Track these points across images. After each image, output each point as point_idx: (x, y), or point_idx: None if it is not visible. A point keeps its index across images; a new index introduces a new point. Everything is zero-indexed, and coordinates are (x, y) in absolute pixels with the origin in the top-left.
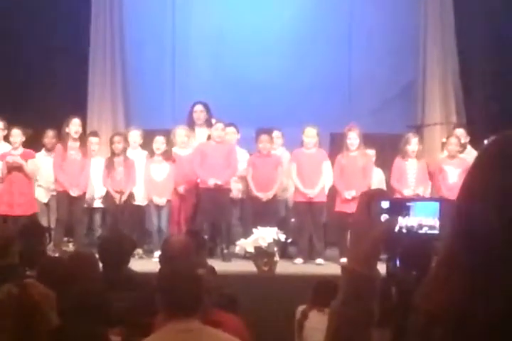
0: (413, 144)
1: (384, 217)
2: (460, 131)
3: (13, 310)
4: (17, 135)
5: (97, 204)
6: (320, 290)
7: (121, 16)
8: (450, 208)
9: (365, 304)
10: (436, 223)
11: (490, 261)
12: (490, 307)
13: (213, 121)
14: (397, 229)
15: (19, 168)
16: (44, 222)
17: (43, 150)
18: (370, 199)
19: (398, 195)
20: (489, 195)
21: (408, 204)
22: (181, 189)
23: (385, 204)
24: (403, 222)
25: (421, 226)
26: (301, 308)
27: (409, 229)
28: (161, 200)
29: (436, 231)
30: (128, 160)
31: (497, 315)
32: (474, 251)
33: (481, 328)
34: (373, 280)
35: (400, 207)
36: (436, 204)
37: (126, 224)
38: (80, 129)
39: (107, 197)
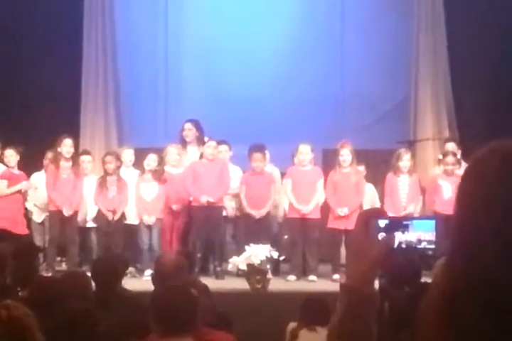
0: (405, 160)
1: (381, 235)
2: (451, 145)
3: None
4: (11, 155)
5: (91, 223)
6: (308, 308)
7: (114, 34)
8: (446, 225)
9: (363, 322)
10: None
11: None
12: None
13: (206, 139)
14: (396, 244)
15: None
16: (39, 242)
17: (42, 171)
18: (367, 218)
19: (391, 211)
20: (492, 207)
21: (405, 222)
22: (175, 207)
23: (383, 223)
24: (402, 238)
25: (420, 241)
26: (291, 326)
27: (409, 244)
28: (150, 219)
29: (434, 246)
30: (121, 179)
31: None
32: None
33: None
34: (372, 298)
35: (398, 225)
36: (432, 223)
37: (118, 243)
38: (71, 149)
39: (99, 216)
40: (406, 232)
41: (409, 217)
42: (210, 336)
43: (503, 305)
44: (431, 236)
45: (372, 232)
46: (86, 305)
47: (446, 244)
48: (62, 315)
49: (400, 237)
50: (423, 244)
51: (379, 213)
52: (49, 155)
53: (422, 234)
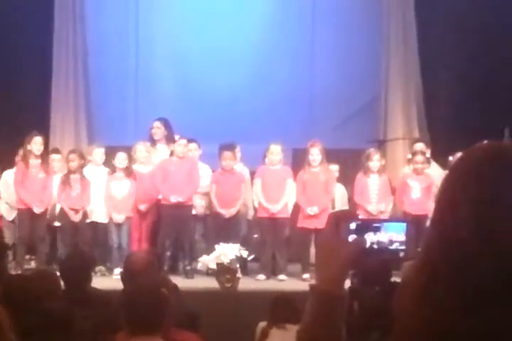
0: (375, 160)
1: (352, 237)
2: (420, 146)
3: None
4: None
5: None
6: (277, 306)
7: (84, 32)
8: (416, 227)
9: (333, 323)
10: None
11: (471, 274)
12: (469, 325)
13: (176, 137)
14: (368, 244)
15: None
16: (9, 240)
17: (15, 168)
18: (338, 219)
19: (361, 211)
20: (466, 206)
21: (376, 225)
22: (143, 207)
23: (353, 225)
24: (374, 238)
25: (391, 242)
26: (261, 325)
27: (380, 245)
28: (119, 217)
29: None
30: (84, 178)
31: (476, 332)
32: (454, 262)
33: None
34: (342, 299)
35: (368, 227)
36: (403, 225)
37: (85, 241)
38: (41, 147)
39: (61, 215)
40: (378, 233)
41: (380, 220)
42: (178, 336)
43: (473, 285)
44: (403, 237)
45: (343, 234)
46: (62, 305)
47: (415, 246)
48: (38, 314)
49: (371, 238)
50: (395, 245)
51: (350, 215)
52: (21, 152)
53: (393, 235)
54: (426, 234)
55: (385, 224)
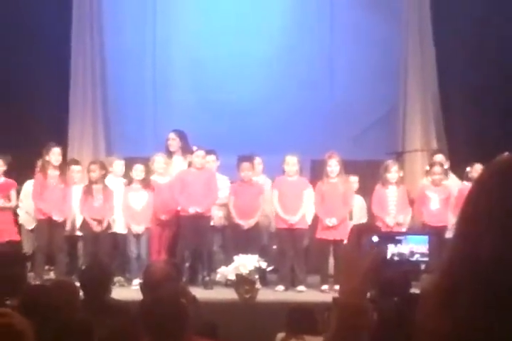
0: (393, 172)
1: (373, 250)
2: (440, 157)
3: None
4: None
5: (79, 232)
6: (295, 317)
7: (102, 43)
8: (438, 241)
9: (357, 334)
10: (428, 250)
11: (493, 284)
12: (492, 334)
13: (194, 148)
14: (389, 256)
15: (5, 195)
16: (28, 249)
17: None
18: (360, 232)
19: (379, 223)
20: (493, 218)
21: (398, 237)
22: (163, 217)
23: (376, 238)
24: (395, 250)
25: (412, 254)
26: (279, 336)
27: (401, 257)
28: (139, 228)
29: (427, 259)
30: (107, 188)
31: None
32: (478, 275)
33: None
34: (365, 311)
35: (391, 240)
36: (425, 238)
37: (105, 252)
38: (60, 158)
39: (84, 225)
40: (399, 244)
41: (403, 233)
42: None
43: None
44: (423, 248)
45: (365, 247)
46: (81, 315)
47: (437, 258)
48: (57, 324)
49: (392, 249)
50: (416, 257)
51: (372, 228)
52: (39, 163)
53: (414, 247)
54: (448, 245)
55: (408, 237)
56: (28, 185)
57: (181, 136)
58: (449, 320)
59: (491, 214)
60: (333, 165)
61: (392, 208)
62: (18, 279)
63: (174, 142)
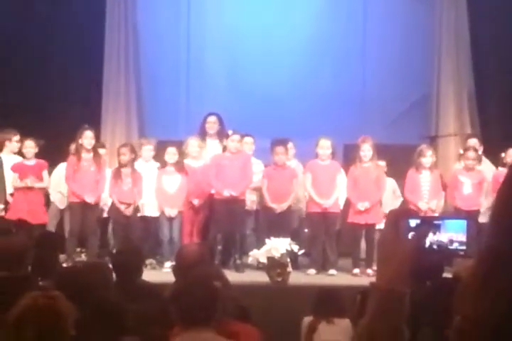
0: (427, 156)
1: (412, 235)
2: (474, 141)
3: (38, 321)
4: (30, 146)
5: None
6: (323, 300)
7: (136, 28)
8: (476, 226)
9: (395, 321)
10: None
11: None
12: None
13: (230, 132)
14: (428, 244)
15: (39, 177)
16: (52, 227)
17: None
18: (397, 217)
19: (411, 207)
20: None
21: (436, 222)
22: (196, 202)
23: (413, 223)
24: (434, 238)
25: (452, 242)
26: (306, 319)
27: (440, 245)
28: (172, 211)
29: (465, 247)
30: (135, 172)
31: None
32: None
33: None
34: (404, 296)
35: (428, 225)
36: (463, 222)
37: (136, 235)
38: (92, 141)
39: (113, 208)
40: (437, 233)
41: (440, 217)
42: (235, 328)
43: None
44: (463, 236)
45: (403, 232)
46: (111, 297)
47: (476, 243)
48: (90, 306)
49: (431, 238)
50: (455, 245)
51: (409, 212)
52: (73, 146)
53: (453, 235)
54: (486, 230)
55: (445, 221)
56: (62, 167)
57: (220, 119)
58: (488, 305)
59: None
60: (366, 150)
61: (425, 193)
62: (51, 261)
63: (215, 125)
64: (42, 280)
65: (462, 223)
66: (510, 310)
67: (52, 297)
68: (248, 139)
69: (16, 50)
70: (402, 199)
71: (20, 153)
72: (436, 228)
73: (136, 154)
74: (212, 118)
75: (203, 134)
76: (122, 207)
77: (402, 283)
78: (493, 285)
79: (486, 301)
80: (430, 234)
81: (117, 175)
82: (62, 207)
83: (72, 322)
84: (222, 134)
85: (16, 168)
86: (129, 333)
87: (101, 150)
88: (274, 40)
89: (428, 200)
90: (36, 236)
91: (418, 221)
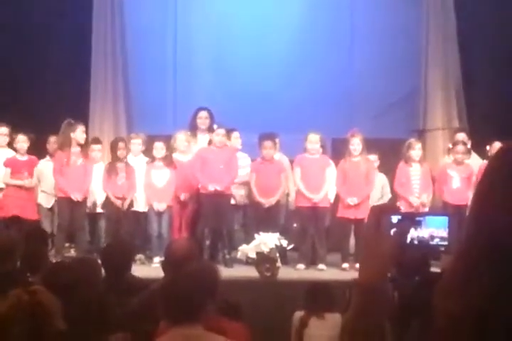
0: (417, 149)
1: (394, 231)
2: (462, 136)
3: (23, 316)
4: (23, 141)
5: (100, 209)
6: (314, 295)
7: (123, 23)
8: (457, 218)
9: (377, 318)
10: (447, 234)
11: (510, 264)
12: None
13: (215, 126)
14: (409, 240)
15: (30, 172)
16: (47, 228)
17: (47, 157)
18: (380, 213)
19: (402, 201)
20: (507, 193)
21: (418, 218)
22: (183, 196)
23: (395, 219)
24: (415, 234)
25: (432, 238)
26: (297, 314)
27: (421, 240)
28: (161, 206)
29: (447, 243)
30: (129, 166)
31: None
32: (494, 249)
33: (502, 331)
34: (384, 292)
35: (410, 221)
36: (445, 219)
37: (127, 230)
38: (84, 136)
39: (107, 203)
40: (419, 228)
41: (422, 213)
42: (222, 324)
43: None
44: (443, 232)
45: (385, 227)
46: (99, 292)
47: (457, 237)
48: (77, 301)
49: (412, 233)
50: (436, 241)
51: (391, 208)
52: (52, 139)
53: (434, 231)
54: (465, 224)
55: (427, 218)
56: (42, 164)
57: (211, 114)
58: (465, 299)
59: (505, 188)
60: (356, 144)
61: (416, 186)
62: (39, 256)
63: (206, 120)
64: (31, 276)
65: (444, 219)
66: (490, 306)
67: (35, 292)
68: (235, 134)
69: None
70: (390, 196)
71: (8, 146)
72: (418, 224)
73: (129, 149)
74: (203, 114)
75: (193, 129)
76: (118, 202)
77: (384, 279)
78: (474, 280)
79: (467, 297)
80: (411, 230)
81: (112, 170)
82: (48, 205)
83: (59, 315)
84: (210, 129)
85: (9, 163)
86: (117, 328)
87: (96, 146)
88: (262, 34)
89: (419, 194)
90: (24, 231)
91: (400, 217)
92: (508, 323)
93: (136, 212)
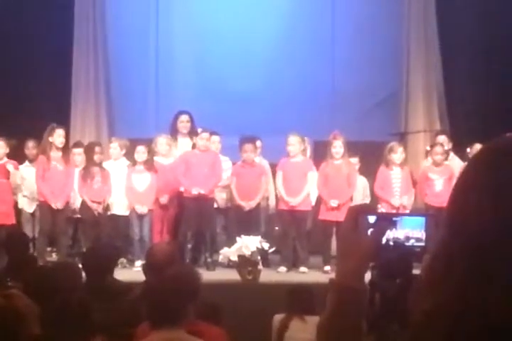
0: (399, 153)
1: (371, 231)
2: (442, 138)
3: None
4: (0, 146)
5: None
6: (296, 298)
7: (105, 25)
8: (437, 219)
9: (353, 316)
10: (423, 235)
11: (486, 259)
12: (487, 308)
13: (199, 130)
14: (384, 241)
15: (4, 176)
16: (29, 232)
17: (26, 162)
18: (357, 213)
19: (383, 204)
20: (483, 193)
21: (395, 219)
22: (164, 200)
23: (372, 219)
24: (390, 235)
25: (408, 239)
26: (277, 317)
27: (396, 241)
28: (142, 209)
29: (422, 244)
30: (104, 170)
31: (494, 315)
32: (470, 250)
33: (477, 330)
34: (361, 293)
35: (387, 221)
36: (422, 219)
37: (107, 233)
38: (63, 140)
39: (84, 207)
40: (394, 229)
41: (399, 213)
42: (200, 328)
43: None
44: (419, 233)
45: (362, 228)
46: (80, 296)
47: (436, 239)
48: (56, 305)
49: (387, 235)
50: (411, 242)
51: (368, 209)
52: (30, 144)
53: (410, 232)
54: (442, 224)
55: (404, 218)
56: (23, 169)
57: (192, 118)
58: (441, 298)
59: (481, 189)
60: (338, 147)
61: (397, 190)
62: (21, 261)
63: (188, 124)
64: (11, 281)
65: (420, 220)
66: (467, 304)
67: (9, 296)
68: (215, 138)
69: None
70: (369, 199)
71: None
72: (394, 224)
73: (104, 153)
74: (185, 117)
75: (174, 133)
76: (95, 206)
77: (359, 280)
78: (449, 280)
79: (442, 295)
80: (387, 231)
81: (87, 174)
82: (30, 210)
83: (33, 319)
84: (192, 132)
85: None
86: (98, 333)
87: (77, 150)
88: (244, 36)
89: (400, 197)
90: (5, 236)
91: (377, 217)
92: (479, 323)
93: (116, 216)
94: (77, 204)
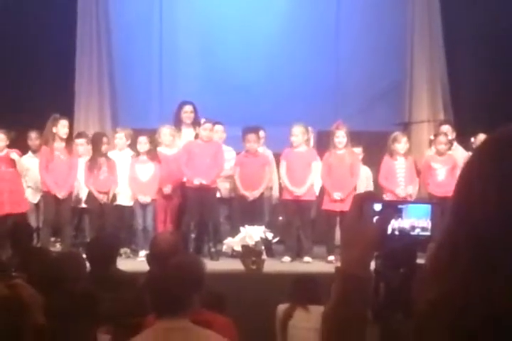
0: (402, 142)
1: (376, 219)
2: (446, 128)
3: (1, 310)
4: (1, 139)
5: (84, 205)
6: (300, 288)
7: (108, 17)
8: (441, 208)
9: (358, 306)
10: (429, 224)
11: (490, 249)
12: (491, 298)
13: (202, 120)
14: (389, 231)
15: (10, 165)
16: (33, 223)
17: (29, 152)
18: (362, 201)
19: (388, 194)
20: (487, 184)
21: (400, 206)
22: (167, 190)
23: (378, 207)
24: (395, 224)
25: (413, 228)
26: (282, 307)
27: (402, 231)
28: (145, 198)
29: (428, 233)
30: (110, 160)
31: (498, 305)
32: (474, 240)
33: (481, 319)
34: (366, 281)
35: (392, 209)
36: (428, 207)
37: (112, 223)
38: (67, 130)
39: (90, 198)
40: (399, 219)
41: (405, 201)
42: (207, 317)
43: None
44: (424, 222)
45: (367, 216)
46: (85, 286)
47: (441, 228)
48: (64, 295)
49: (393, 224)
50: (416, 231)
51: (373, 196)
52: (32, 135)
53: (415, 221)
54: (447, 214)
55: (409, 206)
56: (26, 160)
57: (195, 108)
58: (446, 287)
59: (486, 179)
60: (341, 137)
61: (401, 180)
62: (25, 251)
63: (191, 115)
64: (15, 271)
65: (426, 208)
66: (473, 293)
67: (13, 286)
68: (219, 127)
69: None
70: (373, 189)
71: None
72: (400, 212)
73: (110, 144)
74: (188, 108)
75: (178, 123)
76: (101, 196)
77: (365, 268)
78: (454, 269)
79: (449, 284)
80: (392, 220)
81: (93, 165)
82: (34, 201)
83: (38, 309)
84: (195, 123)
85: None
86: (102, 322)
87: (80, 140)
88: (248, 27)
89: (404, 187)
90: (10, 226)
91: (382, 205)
92: (483, 313)
93: (120, 206)
94: (81, 194)
